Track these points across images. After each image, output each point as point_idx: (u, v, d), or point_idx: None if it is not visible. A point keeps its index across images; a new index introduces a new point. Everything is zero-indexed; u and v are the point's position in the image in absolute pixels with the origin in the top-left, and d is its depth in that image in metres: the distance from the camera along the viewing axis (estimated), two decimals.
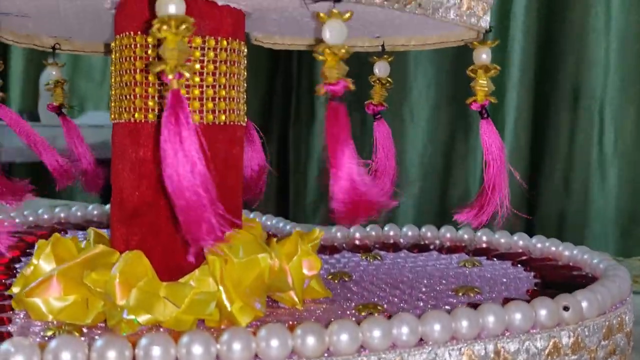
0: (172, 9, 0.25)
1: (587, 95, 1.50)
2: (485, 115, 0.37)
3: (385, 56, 0.45)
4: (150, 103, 0.33)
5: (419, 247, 0.51)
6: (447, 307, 0.36)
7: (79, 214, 0.62)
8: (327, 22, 0.28)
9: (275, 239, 0.36)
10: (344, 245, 0.51)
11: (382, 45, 0.44)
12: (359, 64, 0.45)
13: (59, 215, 0.61)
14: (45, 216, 0.60)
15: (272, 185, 1.77)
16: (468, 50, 0.51)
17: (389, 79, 0.44)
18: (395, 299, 0.37)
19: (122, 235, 0.35)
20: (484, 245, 0.50)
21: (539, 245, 0.51)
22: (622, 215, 1.44)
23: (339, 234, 0.53)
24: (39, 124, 1.59)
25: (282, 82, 1.78)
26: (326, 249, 0.50)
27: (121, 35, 0.35)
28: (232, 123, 0.35)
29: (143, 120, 0.34)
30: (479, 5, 0.32)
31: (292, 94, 1.73)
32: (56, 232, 0.38)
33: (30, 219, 0.58)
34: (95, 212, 0.64)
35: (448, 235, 0.53)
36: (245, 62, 0.36)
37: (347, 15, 0.28)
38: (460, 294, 0.39)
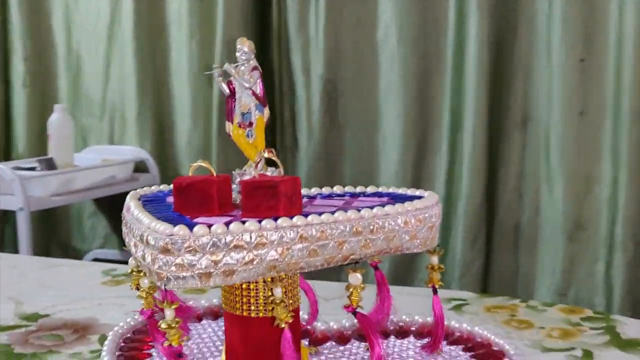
0: None
1: (535, 119, 1.74)
2: (435, 292, 0.59)
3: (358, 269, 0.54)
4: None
5: (401, 334, 0.74)
6: None
7: None
8: (350, 274, 0.51)
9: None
10: (350, 334, 0.74)
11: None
12: None
13: None
14: None
15: None
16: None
17: (362, 285, 0.53)
18: None
19: None
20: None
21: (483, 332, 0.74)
22: (568, 222, 1.70)
23: (347, 324, 0.76)
24: (57, 171, 1.77)
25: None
26: (340, 339, 0.72)
27: None
28: None
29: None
30: (431, 236, 0.54)
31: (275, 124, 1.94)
32: None
33: None
34: None
35: (420, 320, 0.76)
36: None
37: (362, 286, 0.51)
38: None
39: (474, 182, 1.74)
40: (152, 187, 0.62)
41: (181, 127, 2.02)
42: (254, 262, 0.44)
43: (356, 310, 0.50)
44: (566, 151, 1.67)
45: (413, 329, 0.75)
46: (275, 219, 0.45)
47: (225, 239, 0.43)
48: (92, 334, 0.82)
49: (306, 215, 0.47)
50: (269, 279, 0.46)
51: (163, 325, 0.43)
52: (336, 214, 0.47)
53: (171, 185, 0.64)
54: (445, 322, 0.74)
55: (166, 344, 0.43)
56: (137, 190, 0.60)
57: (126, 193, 2.15)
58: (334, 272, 1.71)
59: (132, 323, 0.74)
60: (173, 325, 0.43)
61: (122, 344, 0.69)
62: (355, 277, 0.49)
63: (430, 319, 0.75)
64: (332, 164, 1.87)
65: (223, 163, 1.88)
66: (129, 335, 0.72)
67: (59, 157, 1.88)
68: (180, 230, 0.43)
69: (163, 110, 2.05)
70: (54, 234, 2.24)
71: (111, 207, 2.15)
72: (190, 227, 0.44)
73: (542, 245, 1.73)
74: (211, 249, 0.43)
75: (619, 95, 1.59)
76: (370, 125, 1.84)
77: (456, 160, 1.78)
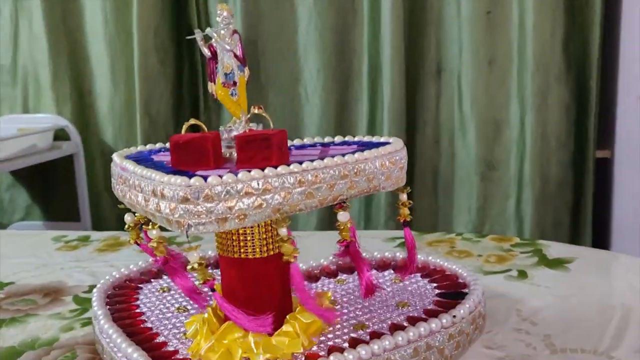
0: None
1: (447, 69, 1.84)
2: (406, 225, 0.67)
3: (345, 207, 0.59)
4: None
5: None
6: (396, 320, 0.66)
7: None
8: (339, 212, 0.57)
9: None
10: (318, 272, 0.81)
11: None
12: None
13: None
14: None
15: None
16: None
17: (351, 221, 0.58)
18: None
19: None
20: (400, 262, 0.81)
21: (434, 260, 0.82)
22: (481, 164, 1.83)
23: (313, 264, 0.83)
24: None
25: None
26: (310, 277, 0.79)
27: None
28: None
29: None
30: (401, 176, 0.61)
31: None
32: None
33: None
34: None
35: (378, 255, 0.84)
36: None
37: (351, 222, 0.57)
38: (400, 308, 0.70)
39: (393, 131, 1.83)
40: (131, 148, 0.66)
41: (101, 91, 1.99)
42: (262, 206, 0.49)
43: (349, 243, 0.57)
44: (477, 98, 1.79)
45: (373, 263, 0.83)
46: (275, 167, 0.51)
47: (237, 187, 0.48)
48: (64, 295, 0.85)
49: (300, 163, 0.52)
50: (274, 220, 0.52)
51: (190, 268, 0.48)
52: (326, 160, 0.53)
53: (148, 146, 0.68)
54: (400, 256, 0.83)
55: (198, 283, 0.48)
56: (120, 152, 0.63)
57: (48, 162, 2.12)
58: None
59: (110, 280, 0.78)
60: (201, 265, 0.48)
61: (107, 299, 0.73)
62: (344, 215, 0.56)
63: (388, 254, 0.83)
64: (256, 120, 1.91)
65: (149, 129, 1.89)
66: (110, 291, 0.76)
67: None
68: (197, 181, 0.48)
69: (80, 74, 2.01)
70: None
71: (31, 177, 2.10)
72: (204, 178, 0.49)
73: (458, 186, 1.86)
74: (225, 196, 0.48)
75: (522, 44, 1.71)
76: (292, 81, 1.89)
77: (377, 110, 1.87)
